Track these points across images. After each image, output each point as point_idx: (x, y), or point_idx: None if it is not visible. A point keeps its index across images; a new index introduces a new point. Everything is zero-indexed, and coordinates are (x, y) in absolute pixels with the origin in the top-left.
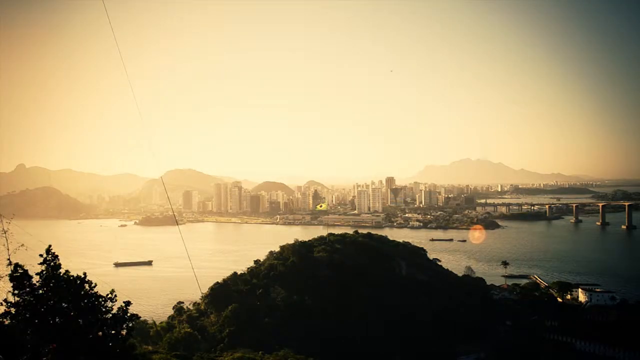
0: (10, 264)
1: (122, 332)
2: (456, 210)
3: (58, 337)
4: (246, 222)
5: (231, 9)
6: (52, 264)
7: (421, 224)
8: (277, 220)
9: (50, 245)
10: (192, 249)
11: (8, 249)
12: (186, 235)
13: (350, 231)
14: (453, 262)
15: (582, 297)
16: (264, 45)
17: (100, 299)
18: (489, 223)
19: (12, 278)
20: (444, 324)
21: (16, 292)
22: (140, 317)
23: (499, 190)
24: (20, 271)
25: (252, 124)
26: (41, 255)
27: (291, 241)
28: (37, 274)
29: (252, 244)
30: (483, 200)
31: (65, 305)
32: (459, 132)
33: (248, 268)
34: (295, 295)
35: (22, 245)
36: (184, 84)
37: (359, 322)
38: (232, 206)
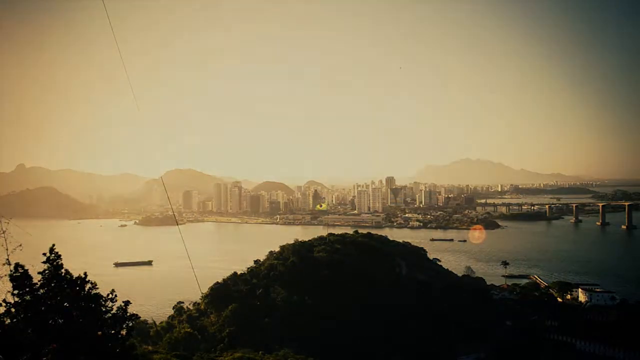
0: (9, 264)
1: (122, 332)
2: (456, 210)
3: (58, 337)
4: (246, 222)
5: (232, 9)
6: (55, 263)
7: (421, 224)
8: (277, 220)
9: (53, 245)
10: (192, 249)
11: (7, 249)
12: (186, 235)
13: (350, 231)
14: (453, 262)
15: (582, 297)
16: (264, 45)
17: (101, 299)
18: (489, 223)
19: (12, 278)
20: (444, 324)
21: (16, 292)
22: (140, 317)
23: (499, 190)
24: (20, 271)
25: (252, 124)
26: (44, 254)
27: (291, 241)
28: (39, 273)
29: (252, 244)
30: (483, 200)
31: (66, 305)
32: (459, 132)
33: (248, 268)
34: (295, 295)
35: (20, 245)
36: (184, 84)
37: (359, 322)
38: (232, 206)
